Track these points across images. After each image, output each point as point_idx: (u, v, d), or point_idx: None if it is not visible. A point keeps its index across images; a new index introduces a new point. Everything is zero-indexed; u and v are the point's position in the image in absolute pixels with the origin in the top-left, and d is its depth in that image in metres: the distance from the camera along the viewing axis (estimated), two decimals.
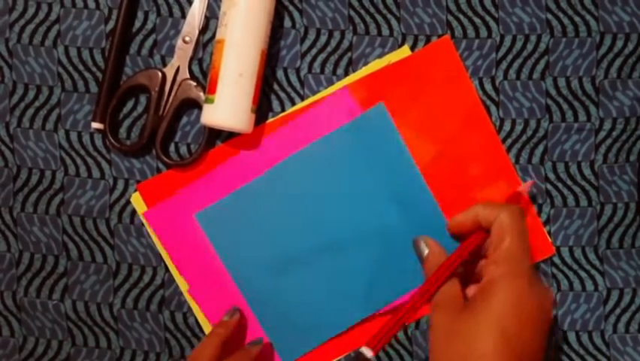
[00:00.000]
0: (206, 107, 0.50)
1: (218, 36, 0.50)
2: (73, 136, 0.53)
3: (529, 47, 0.52)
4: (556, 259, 0.52)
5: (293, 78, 0.53)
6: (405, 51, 0.52)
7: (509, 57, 0.52)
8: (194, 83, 0.52)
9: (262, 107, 0.53)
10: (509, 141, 0.52)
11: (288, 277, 0.52)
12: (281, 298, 0.52)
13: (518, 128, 0.52)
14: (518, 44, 0.52)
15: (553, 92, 0.52)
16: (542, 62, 0.52)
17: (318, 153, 0.51)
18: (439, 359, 0.43)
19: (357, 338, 0.52)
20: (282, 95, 0.53)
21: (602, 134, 0.52)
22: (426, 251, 0.48)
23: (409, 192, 0.51)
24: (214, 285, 0.52)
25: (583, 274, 0.52)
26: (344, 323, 0.52)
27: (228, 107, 0.49)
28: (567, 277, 0.52)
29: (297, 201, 0.51)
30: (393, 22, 0.53)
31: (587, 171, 0.52)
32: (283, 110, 0.53)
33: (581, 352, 0.52)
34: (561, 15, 0.52)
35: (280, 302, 0.52)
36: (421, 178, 0.51)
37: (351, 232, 0.51)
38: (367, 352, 0.44)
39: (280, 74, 0.53)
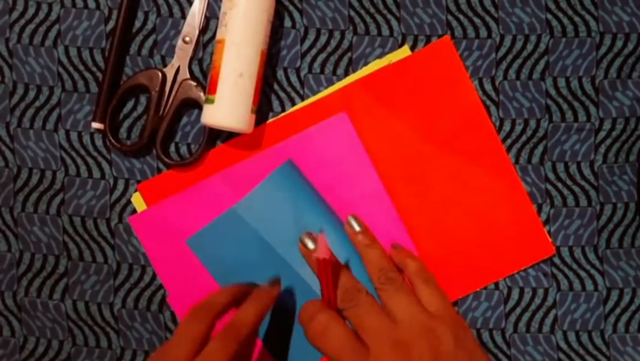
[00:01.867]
0: (206, 108, 0.50)
1: (218, 36, 0.50)
2: (74, 136, 0.53)
3: (529, 47, 0.52)
4: (556, 259, 0.52)
5: (293, 78, 0.53)
6: (405, 51, 0.52)
7: (509, 57, 0.52)
8: (195, 84, 0.52)
9: (262, 107, 0.53)
10: (509, 141, 0.52)
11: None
12: (276, 312, 0.52)
13: (518, 128, 0.52)
14: (518, 44, 0.52)
15: (553, 92, 0.52)
16: (542, 62, 0.52)
17: (251, 206, 0.52)
18: None
19: None
20: (282, 95, 0.53)
21: (602, 134, 0.52)
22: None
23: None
24: (196, 295, 0.52)
25: (583, 273, 0.52)
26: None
27: (228, 107, 0.49)
28: (567, 277, 0.52)
29: (260, 234, 0.52)
30: (394, 22, 0.53)
31: (586, 171, 0.52)
32: (283, 110, 0.53)
33: (581, 352, 0.52)
34: (561, 15, 0.52)
35: (275, 316, 0.52)
36: (337, 223, 0.51)
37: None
38: None
39: (280, 74, 0.53)
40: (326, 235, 0.48)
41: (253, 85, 0.49)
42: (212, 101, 0.49)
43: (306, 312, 0.46)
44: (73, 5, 0.53)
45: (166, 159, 0.52)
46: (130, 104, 0.53)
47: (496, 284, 0.52)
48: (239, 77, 0.49)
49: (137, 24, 0.53)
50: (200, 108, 0.52)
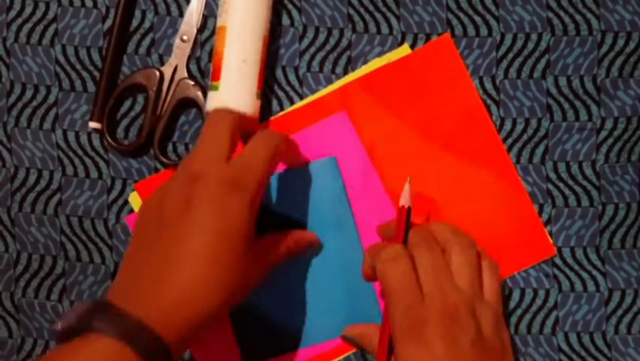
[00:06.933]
0: (210, 95, 0.49)
1: (219, 23, 0.50)
2: (71, 136, 0.53)
3: (530, 45, 0.52)
4: (557, 260, 0.52)
5: (292, 77, 0.52)
6: (405, 50, 0.52)
7: (510, 56, 0.52)
8: (192, 82, 0.51)
9: (262, 108, 0.52)
10: (510, 140, 0.52)
11: (269, 282, 0.50)
12: (259, 300, 0.50)
13: (519, 127, 0.52)
14: (519, 43, 0.52)
15: (554, 91, 0.52)
16: (543, 61, 0.52)
17: (276, 184, 0.51)
18: None
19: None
20: (281, 94, 0.52)
21: (604, 133, 0.52)
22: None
23: (340, 237, 0.51)
24: None
25: (584, 274, 0.52)
26: (315, 338, 0.51)
27: (233, 91, 0.49)
28: (568, 277, 0.52)
29: (271, 214, 0.51)
30: (393, 20, 0.52)
31: (588, 171, 0.52)
32: (282, 109, 0.52)
33: (583, 353, 0.52)
34: (562, 13, 0.52)
35: (256, 304, 0.51)
36: (356, 233, 0.51)
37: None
38: None
39: (279, 72, 0.52)
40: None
41: (257, 71, 0.49)
42: (216, 88, 0.49)
43: (382, 247, 0.46)
44: (71, 4, 0.53)
45: (164, 159, 0.51)
46: (127, 104, 0.53)
47: None
48: (242, 63, 0.49)
49: (135, 23, 0.53)
50: (199, 107, 0.51)
